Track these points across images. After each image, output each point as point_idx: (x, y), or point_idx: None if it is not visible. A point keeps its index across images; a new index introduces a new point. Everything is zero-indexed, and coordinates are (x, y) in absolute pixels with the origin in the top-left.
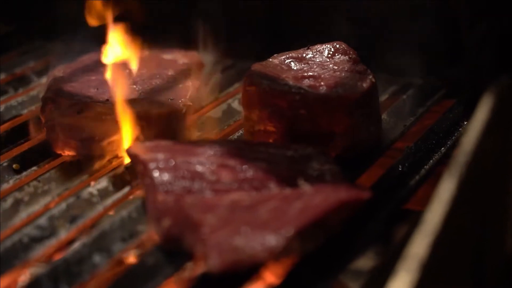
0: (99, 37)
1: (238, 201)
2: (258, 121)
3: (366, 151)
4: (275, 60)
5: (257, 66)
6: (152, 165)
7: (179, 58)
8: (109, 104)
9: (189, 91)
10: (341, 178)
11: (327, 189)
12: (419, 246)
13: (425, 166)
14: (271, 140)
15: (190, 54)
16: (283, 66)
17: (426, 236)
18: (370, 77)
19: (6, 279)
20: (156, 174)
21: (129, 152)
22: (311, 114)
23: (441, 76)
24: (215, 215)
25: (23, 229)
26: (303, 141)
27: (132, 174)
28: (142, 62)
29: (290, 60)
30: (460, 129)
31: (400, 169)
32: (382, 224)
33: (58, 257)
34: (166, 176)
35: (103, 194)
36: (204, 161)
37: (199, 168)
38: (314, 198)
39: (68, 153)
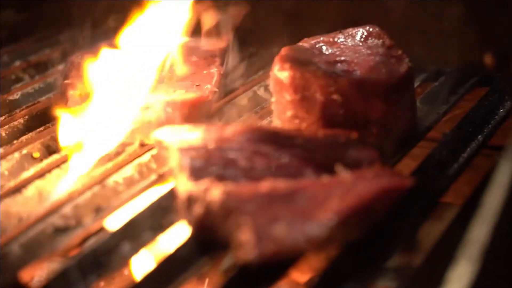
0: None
1: (275, 188)
2: (288, 107)
3: (401, 138)
4: (306, 44)
5: (287, 50)
6: (182, 152)
7: (202, 44)
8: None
9: (214, 77)
10: (380, 165)
11: (367, 176)
12: (480, 232)
13: (463, 155)
14: (303, 126)
15: (213, 41)
16: (314, 50)
17: (486, 222)
18: (407, 60)
19: (32, 270)
20: (187, 160)
21: (156, 138)
22: (345, 99)
23: (473, 64)
24: (253, 203)
25: (47, 219)
26: (336, 128)
27: (158, 162)
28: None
29: (322, 44)
30: (496, 117)
31: (437, 157)
32: (423, 214)
33: (85, 247)
34: (198, 163)
35: (129, 182)
36: (236, 148)
37: (231, 154)
38: (354, 186)
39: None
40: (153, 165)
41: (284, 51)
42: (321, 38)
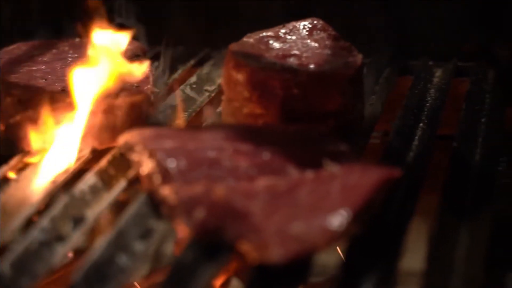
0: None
1: (273, 186)
2: (245, 104)
3: (354, 129)
4: (250, 39)
5: (235, 46)
6: (162, 155)
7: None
8: (76, 95)
9: (150, 77)
10: (356, 158)
11: (358, 169)
12: None
13: (414, 143)
14: (260, 123)
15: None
16: (260, 45)
17: None
18: (358, 52)
19: None
20: (171, 164)
21: (126, 143)
22: (304, 93)
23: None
24: (259, 202)
25: (28, 234)
26: (293, 122)
27: (117, 167)
28: (79, 49)
29: (267, 39)
30: (427, 105)
31: (396, 147)
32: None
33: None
34: (182, 166)
35: (95, 190)
36: (215, 148)
37: (212, 154)
38: (352, 179)
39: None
40: (112, 171)
41: (232, 47)
42: (265, 34)
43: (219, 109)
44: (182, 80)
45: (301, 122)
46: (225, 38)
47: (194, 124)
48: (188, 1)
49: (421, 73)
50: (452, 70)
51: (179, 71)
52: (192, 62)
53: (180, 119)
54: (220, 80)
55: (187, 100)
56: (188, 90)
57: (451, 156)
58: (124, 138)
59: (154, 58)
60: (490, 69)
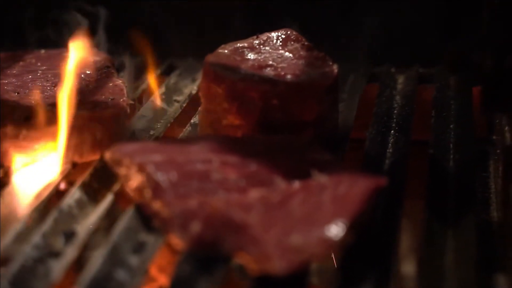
0: None
1: (266, 197)
2: (224, 115)
3: (330, 138)
4: (225, 50)
5: (211, 58)
6: (152, 168)
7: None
8: (54, 109)
9: (124, 89)
10: (341, 166)
11: (346, 178)
12: None
13: (389, 150)
14: (239, 134)
15: (96, 52)
16: (236, 56)
17: None
18: (332, 62)
19: None
20: (162, 177)
21: (113, 156)
22: (283, 103)
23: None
24: (255, 214)
25: (24, 251)
26: (272, 132)
27: (100, 180)
28: (46, 61)
29: (242, 50)
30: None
31: (373, 154)
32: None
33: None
34: (173, 179)
35: (81, 205)
36: (203, 160)
37: (201, 167)
38: (342, 189)
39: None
40: (95, 185)
41: (208, 58)
42: (239, 44)
43: (194, 119)
44: (150, 91)
45: (279, 132)
46: (190, 47)
47: (171, 135)
48: (151, 10)
49: (386, 80)
50: (416, 77)
51: (146, 82)
52: (157, 72)
53: (157, 131)
54: (187, 90)
55: (159, 111)
56: (158, 101)
57: (429, 162)
58: (110, 153)
59: (118, 69)
60: (451, 75)
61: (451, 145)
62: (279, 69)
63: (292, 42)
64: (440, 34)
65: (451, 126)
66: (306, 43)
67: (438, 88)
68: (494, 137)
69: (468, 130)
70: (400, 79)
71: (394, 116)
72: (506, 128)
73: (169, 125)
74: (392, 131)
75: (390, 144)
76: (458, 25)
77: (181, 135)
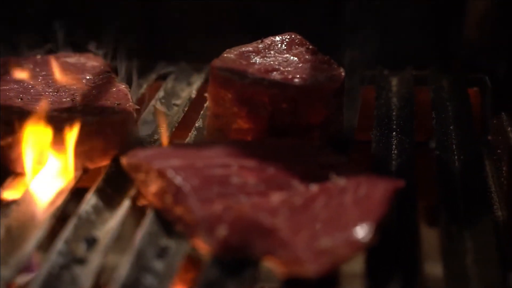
0: None
1: (288, 201)
2: (233, 119)
3: (335, 141)
4: (231, 55)
5: (218, 62)
6: (171, 173)
7: (84, 61)
8: (64, 115)
9: (128, 94)
10: (356, 169)
11: (364, 181)
12: None
13: (394, 151)
14: (248, 137)
15: (92, 57)
16: (242, 60)
17: None
18: (338, 66)
19: None
20: (182, 182)
21: (132, 162)
22: (292, 107)
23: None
24: (282, 217)
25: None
26: (279, 135)
27: (114, 186)
28: (44, 66)
29: (248, 54)
30: (394, 113)
31: (380, 157)
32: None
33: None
34: (195, 184)
35: (98, 210)
36: (221, 164)
37: (220, 171)
38: (362, 191)
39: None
40: (109, 190)
41: (214, 63)
42: (244, 49)
43: (198, 123)
44: (148, 96)
45: (287, 135)
46: (181, 51)
47: (175, 139)
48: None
49: (381, 83)
50: (410, 79)
51: (145, 86)
52: (153, 76)
53: (164, 136)
54: (185, 94)
55: (160, 115)
56: (158, 105)
57: (435, 164)
58: (127, 158)
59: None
60: (444, 77)
61: (454, 146)
62: (286, 73)
63: (297, 46)
64: (431, 37)
65: (451, 127)
66: (310, 47)
67: (434, 89)
68: (489, 138)
69: (469, 131)
70: (394, 82)
71: (394, 118)
72: (509, 128)
73: (173, 129)
74: (394, 133)
75: (394, 146)
76: (447, 27)
77: (187, 139)
